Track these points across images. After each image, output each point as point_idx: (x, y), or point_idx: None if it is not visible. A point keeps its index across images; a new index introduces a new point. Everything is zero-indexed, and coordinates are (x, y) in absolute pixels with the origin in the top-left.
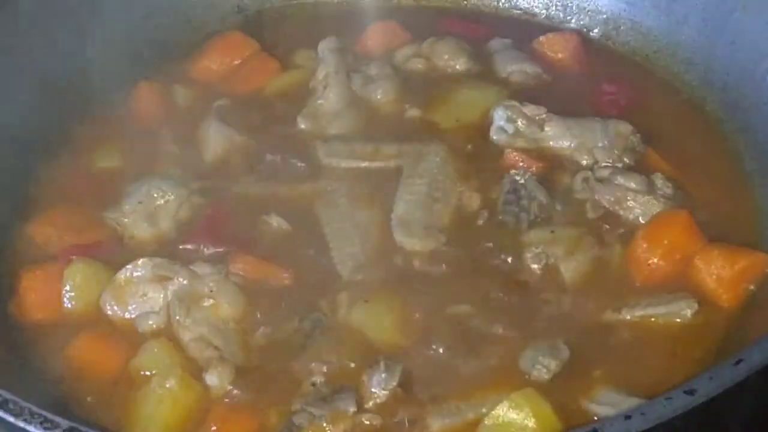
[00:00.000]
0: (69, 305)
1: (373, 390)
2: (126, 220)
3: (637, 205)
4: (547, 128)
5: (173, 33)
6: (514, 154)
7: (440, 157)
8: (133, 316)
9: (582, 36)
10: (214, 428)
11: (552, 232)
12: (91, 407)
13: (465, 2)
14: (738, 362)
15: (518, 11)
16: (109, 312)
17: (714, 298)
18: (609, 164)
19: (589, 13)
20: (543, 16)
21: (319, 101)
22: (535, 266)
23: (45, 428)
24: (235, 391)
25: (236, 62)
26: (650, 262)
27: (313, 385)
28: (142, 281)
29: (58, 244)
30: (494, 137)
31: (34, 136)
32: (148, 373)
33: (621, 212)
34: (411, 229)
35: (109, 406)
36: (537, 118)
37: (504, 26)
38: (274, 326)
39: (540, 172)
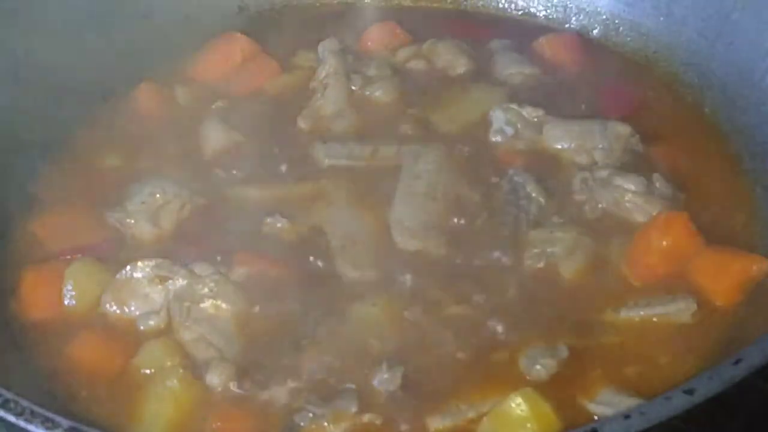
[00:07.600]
0: (70, 304)
1: (374, 390)
2: (129, 220)
3: (636, 206)
4: (545, 130)
5: (173, 33)
6: (513, 155)
7: (439, 158)
8: (133, 315)
9: (582, 37)
10: (215, 427)
11: (551, 232)
12: (92, 406)
13: (465, 3)
14: (737, 362)
15: (518, 12)
16: (110, 311)
17: (712, 298)
18: (608, 165)
19: (589, 13)
20: (542, 17)
21: (319, 102)
22: (534, 266)
23: (46, 428)
24: (236, 391)
25: (236, 62)
26: (649, 262)
27: (314, 384)
28: (143, 281)
29: (58, 244)
30: (493, 139)
31: (34, 136)
32: (148, 372)
33: (620, 213)
34: (410, 230)
35: (109, 405)
36: (536, 119)
37: (503, 27)
38: (274, 326)
39: (539, 173)
